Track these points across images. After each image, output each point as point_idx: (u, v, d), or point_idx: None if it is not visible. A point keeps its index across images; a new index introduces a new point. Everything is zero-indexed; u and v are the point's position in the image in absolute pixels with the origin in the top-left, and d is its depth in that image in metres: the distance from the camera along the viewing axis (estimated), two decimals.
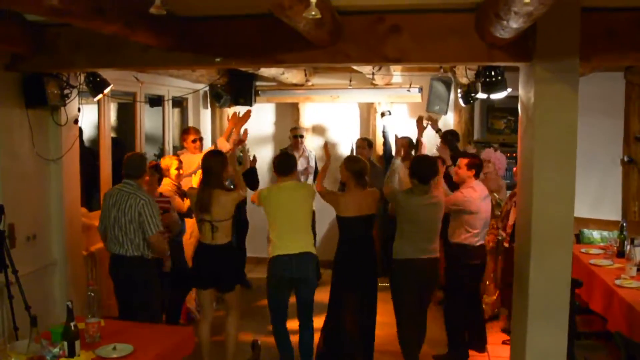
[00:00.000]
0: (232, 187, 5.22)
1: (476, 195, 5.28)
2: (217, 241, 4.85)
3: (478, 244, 5.34)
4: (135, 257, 4.61)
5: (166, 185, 5.75)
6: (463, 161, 5.41)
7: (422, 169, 4.89)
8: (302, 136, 7.91)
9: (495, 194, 6.03)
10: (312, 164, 7.95)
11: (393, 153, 7.17)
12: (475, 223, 5.26)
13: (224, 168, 4.94)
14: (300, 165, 7.47)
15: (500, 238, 5.99)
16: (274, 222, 5.00)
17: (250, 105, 8.20)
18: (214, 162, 4.88)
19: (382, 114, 8.06)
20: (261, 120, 8.82)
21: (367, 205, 5.12)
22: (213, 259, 4.88)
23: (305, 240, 5.01)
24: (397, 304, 5.01)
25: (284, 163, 5.12)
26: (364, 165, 5.15)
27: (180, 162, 5.96)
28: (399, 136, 5.80)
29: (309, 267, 4.99)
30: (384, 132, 7.99)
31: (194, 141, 6.66)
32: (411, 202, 4.90)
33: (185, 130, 6.87)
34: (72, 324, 3.28)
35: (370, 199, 5.15)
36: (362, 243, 5.15)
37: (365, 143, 7.24)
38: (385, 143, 7.97)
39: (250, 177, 6.29)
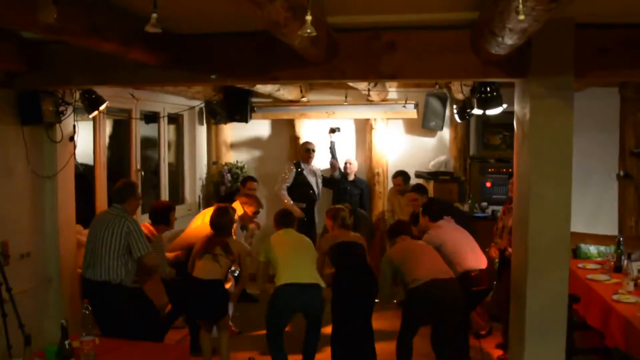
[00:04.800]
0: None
1: (441, 230, 5.47)
2: (210, 276, 4.92)
3: (479, 266, 5.35)
4: (104, 282, 4.51)
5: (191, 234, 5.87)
6: (419, 212, 5.79)
7: (394, 230, 5.53)
8: (314, 150, 7.97)
9: None
10: (320, 180, 8.04)
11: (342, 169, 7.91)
12: (457, 248, 5.33)
13: (232, 223, 5.42)
14: (312, 179, 7.90)
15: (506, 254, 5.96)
16: (280, 257, 5.00)
17: (246, 121, 8.23)
18: (224, 220, 5.24)
19: (332, 130, 8.07)
20: (257, 136, 8.86)
21: (353, 237, 5.37)
22: (204, 295, 4.96)
23: (313, 271, 5.03)
24: (405, 322, 5.03)
25: (285, 219, 5.40)
26: (346, 213, 5.55)
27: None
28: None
29: (317, 299, 4.98)
30: (331, 149, 8.08)
31: (255, 213, 6.58)
32: (395, 255, 5.13)
33: (251, 198, 6.72)
34: (66, 342, 3.27)
35: (357, 237, 5.42)
36: (356, 265, 5.20)
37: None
38: (333, 158, 8.11)
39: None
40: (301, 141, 8.56)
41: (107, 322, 4.52)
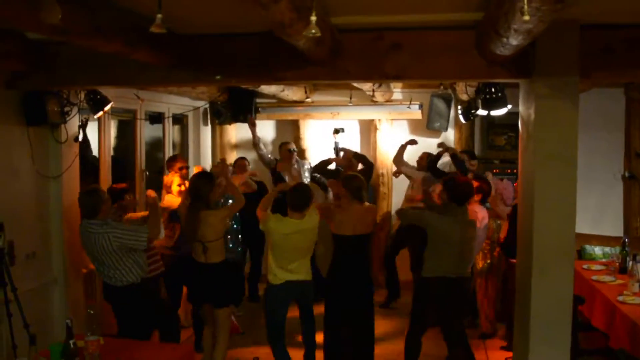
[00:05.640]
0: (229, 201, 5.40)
1: (477, 222, 5.33)
2: (210, 260, 4.88)
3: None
4: (126, 286, 4.53)
5: (168, 202, 5.78)
6: (473, 183, 5.48)
7: (460, 191, 4.88)
8: (295, 150, 7.89)
9: (497, 220, 6.07)
10: (307, 174, 7.91)
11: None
12: None
13: (211, 190, 4.98)
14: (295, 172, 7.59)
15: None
16: (277, 251, 4.95)
17: None
18: (201, 185, 4.92)
19: (336, 131, 8.05)
20: (262, 137, 8.86)
21: (364, 223, 5.12)
22: (206, 278, 4.93)
23: (307, 267, 5.03)
24: (415, 317, 5.03)
25: (300, 198, 4.90)
26: (361, 183, 5.15)
27: (182, 178, 5.98)
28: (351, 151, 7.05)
29: (309, 289, 5.09)
30: (336, 149, 8.05)
31: (180, 169, 6.44)
32: (443, 221, 4.85)
33: (173, 158, 6.62)
34: (71, 341, 3.28)
35: (369, 217, 5.19)
36: (357, 263, 5.13)
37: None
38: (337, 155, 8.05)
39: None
40: (305, 142, 8.57)
41: (129, 323, 4.56)
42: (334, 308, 5.15)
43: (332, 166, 7.92)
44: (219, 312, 4.99)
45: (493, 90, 5.56)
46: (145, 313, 4.62)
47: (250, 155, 8.67)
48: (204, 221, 4.80)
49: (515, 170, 6.31)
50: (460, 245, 4.82)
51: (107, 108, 5.34)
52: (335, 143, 8.05)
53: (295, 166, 7.75)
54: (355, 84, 6.89)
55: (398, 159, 7.25)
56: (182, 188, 5.89)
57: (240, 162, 7.39)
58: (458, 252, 4.83)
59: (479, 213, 5.47)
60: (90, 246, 4.47)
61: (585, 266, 5.92)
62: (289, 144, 7.88)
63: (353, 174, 5.50)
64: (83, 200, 4.55)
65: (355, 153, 7.36)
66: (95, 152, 6.23)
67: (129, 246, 4.44)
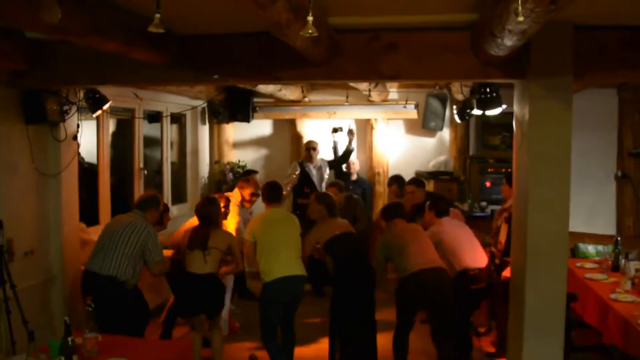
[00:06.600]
0: None
1: (442, 227, 5.54)
2: (203, 270, 4.94)
3: (478, 265, 5.39)
4: (110, 277, 4.64)
5: None
6: (426, 206, 5.84)
7: (389, 212, 5.44)
8: (314, 149, 7.99)
9: None
10: (327, 172, 8.08)
11: (344, 168, 8.07)
12: (455, 246, 5.39)
13: (219, 214, 5.31)
14: (317, 175, 7.89)
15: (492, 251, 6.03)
16: (266, 246, 5.05)
17: (248, 121, 8.28)
18: (209, 210, 5.16)
19: (335, 130, 8.11)
20: (259, 136, 8.91)
21: (345, 226, 5.40)
22: (199, 289, 4.98)
23: (299, 262, 5.13)
24: (400, 316, 5.12)
25: (273, 192, 5.40)
26: (332, 200, 5.56)
27: (227, 199, 6.05)
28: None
29: (302, 288, 5.21)
30: (334, 148, 8.15)
31: (251, 194, 6.50)
32: (389, 239, 5.19)
33: (247, 181, 6.58)
34: (69, 338, 3.28)
35: (346, 225, 5.44)
36: (357, 258, 5.25)
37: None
38: (336, 158, 8.20)
39: None
40: (303, 140, 8.62)
41: (100, 316, 4.58)
42: (341, 304, 5.23)
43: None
44: (214, 319, 5.11)
45: (488, 90, 5.61)
46: (122, 305, 4.69)
47: (249, 156, 8.75)
48: (212, 235, 5.02)
49: (509, 169, 6.37)
50: (408, 243, 5.05)
51: (105, 107, 5.36)
52: (334, 142, 8.10)
53: (318, 164, 7.94)
54: (351, 84, 6.94)
55: None
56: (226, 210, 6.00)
57: (254, 178, 7.34)
58: (414, 249, 5.01)
59: (443, 224, 5.62)
60: (118, 224, 4.79)
61: (578, 264, 5.95)
62: (310, 143, 8.02)
63: (324, 192, 5.91)
64: (143, 196, 5.20)
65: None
66: (86, 155, 6.27)
67: (145, 250, 4.75)
